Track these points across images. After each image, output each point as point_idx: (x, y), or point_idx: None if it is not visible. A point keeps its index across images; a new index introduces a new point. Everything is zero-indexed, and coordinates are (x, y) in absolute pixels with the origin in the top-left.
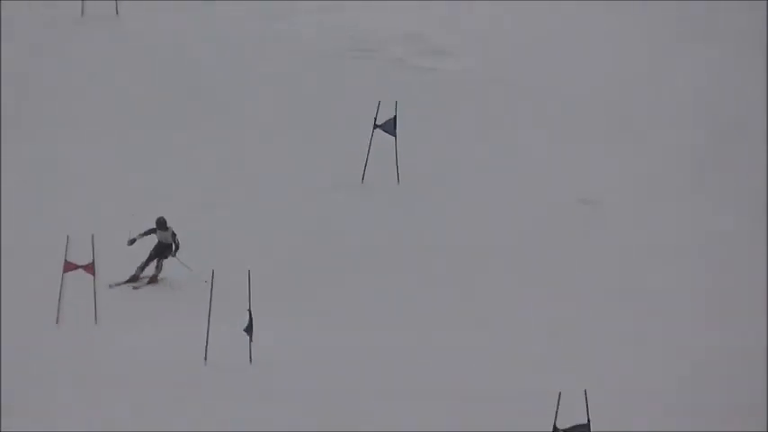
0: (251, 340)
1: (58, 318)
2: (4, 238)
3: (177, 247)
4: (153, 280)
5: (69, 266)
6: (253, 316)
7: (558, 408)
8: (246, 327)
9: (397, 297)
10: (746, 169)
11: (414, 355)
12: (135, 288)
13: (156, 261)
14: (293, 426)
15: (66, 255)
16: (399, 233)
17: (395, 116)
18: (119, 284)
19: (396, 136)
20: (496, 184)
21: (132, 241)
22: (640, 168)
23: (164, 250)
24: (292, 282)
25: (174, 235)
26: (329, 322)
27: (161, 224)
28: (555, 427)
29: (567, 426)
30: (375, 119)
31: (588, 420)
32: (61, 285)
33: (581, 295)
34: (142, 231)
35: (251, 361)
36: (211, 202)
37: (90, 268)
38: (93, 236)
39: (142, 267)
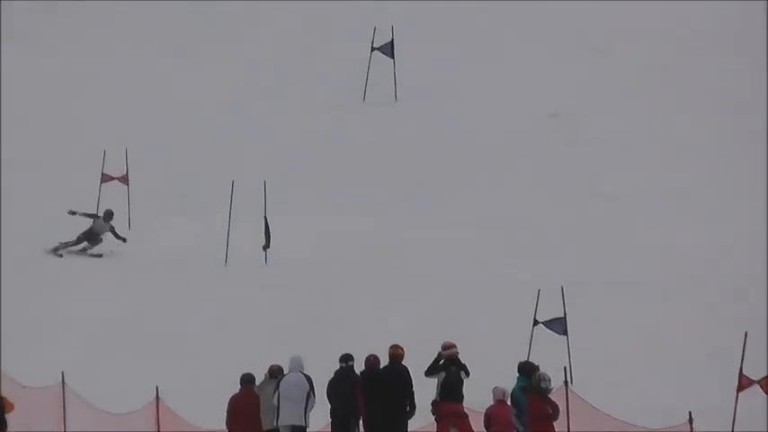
0: (267, 246)
1: None
2: None
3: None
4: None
5: (106, 178)
6: (268, 222)
7: (537, 302)
8: (264, 231)
9: (391, 198)
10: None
11: (404, 250)
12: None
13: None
14: (300, 312)
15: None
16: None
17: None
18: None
19: None
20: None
21: (73, 213)
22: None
23: (92, 238)
24: (302, 186)
25: (112, 228)
26: (336, 226)
27: (107, 215)
28: (535, 319)
29: (547, 318)
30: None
31: (564, 314)
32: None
33: (561, 195)
34: (86, 212)
35: (266, 262)
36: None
37: (124, 179)
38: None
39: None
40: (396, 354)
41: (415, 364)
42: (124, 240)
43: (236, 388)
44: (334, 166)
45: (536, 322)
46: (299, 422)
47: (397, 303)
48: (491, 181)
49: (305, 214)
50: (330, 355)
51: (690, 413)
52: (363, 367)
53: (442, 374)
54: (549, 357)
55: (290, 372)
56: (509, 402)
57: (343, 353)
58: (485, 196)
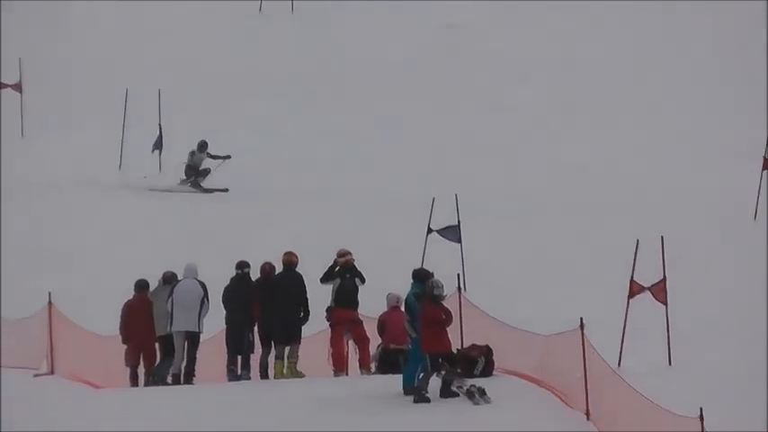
0: (160, 152)
1: None
2: None
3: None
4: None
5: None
6: (162, 131)
7: (432, 210)
8: (156, 140)
9: (285, 112)
10: None
11: (301, 162)
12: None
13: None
14: (194, 220)
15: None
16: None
17: None
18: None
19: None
20: None
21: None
22: None
23: (197, 173)
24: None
25: (209, 154)
26: (231, 136)
27: (200, 146)
28: (429, 227)
29: (440, 227)
30: None
31: (459, 221)
32: None
33: (466, 111)
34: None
35: (160, 169)
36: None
37: (17, 87)
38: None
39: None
40: (290, 260)
41: (310, 271)
42: (228, 157)
43: (130, 294)
44: (231, 76)
45: (430, 230)
46: (192, 328)
47: (291, 213)
48: (387, 94)
49: (200, 125)
50: (225, 263)
51: (581, 319)
52: (259, 275)
53: (337, 281)
54: (443, 265)
55: (184, 278)
56: (403, 309)
57: (239, 260)
58: (381, 109)
